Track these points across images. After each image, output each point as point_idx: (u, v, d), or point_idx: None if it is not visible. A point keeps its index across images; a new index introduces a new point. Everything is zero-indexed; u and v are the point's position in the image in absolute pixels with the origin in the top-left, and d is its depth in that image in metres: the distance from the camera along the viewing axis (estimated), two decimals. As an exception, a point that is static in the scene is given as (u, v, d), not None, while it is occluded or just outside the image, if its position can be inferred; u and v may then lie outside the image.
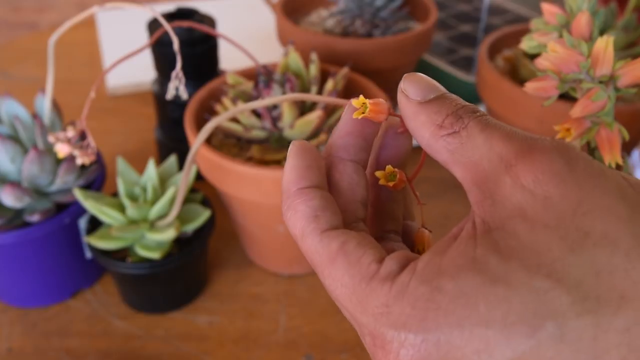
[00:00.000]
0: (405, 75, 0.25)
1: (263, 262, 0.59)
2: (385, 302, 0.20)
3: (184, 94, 0.46)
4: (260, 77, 0.55)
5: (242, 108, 0.37)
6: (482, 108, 0.80)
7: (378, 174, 0.26)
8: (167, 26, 0.45)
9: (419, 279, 0.19)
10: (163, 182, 0.54)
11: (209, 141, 0.55)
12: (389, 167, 0.26)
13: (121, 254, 0.51)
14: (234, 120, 0.55)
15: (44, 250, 0.52)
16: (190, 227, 0.52)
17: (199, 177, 0.57)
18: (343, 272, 0.21)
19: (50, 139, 0.47)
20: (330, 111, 0.55)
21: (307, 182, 0.24)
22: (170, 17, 0.61)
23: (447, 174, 0.72)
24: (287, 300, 0.56)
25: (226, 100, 0.55)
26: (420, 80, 0.24)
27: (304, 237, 0.23)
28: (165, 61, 0.62)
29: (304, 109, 0.55)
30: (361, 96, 0.25)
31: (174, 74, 0.45)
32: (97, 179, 0.54)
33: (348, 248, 0.22)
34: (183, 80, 0.45)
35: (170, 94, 0.46)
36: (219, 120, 0.38)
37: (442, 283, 0.19)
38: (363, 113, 0.25)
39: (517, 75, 0.63)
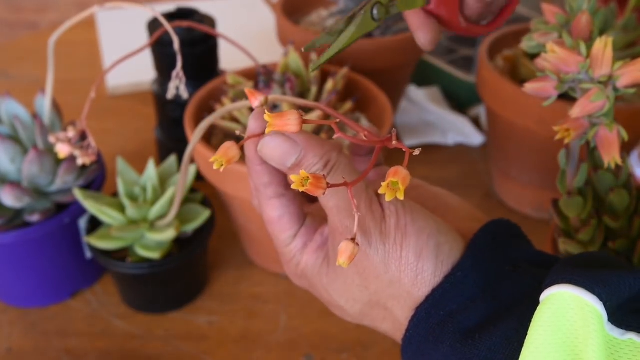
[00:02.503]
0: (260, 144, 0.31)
1: (263, 262, 0.59)
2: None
3: (184, 94, 0.46)
4: (260, 77, 0.55)
5: (229, 109, 0.37)
6: (482, 108, 0.80)
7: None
8: (167, 26, 0.45)
9: (306, 272, 0.33)
10: (163, 182, 0.54)
11: (208, 141, 0.55)
12: (302, 172, 0.26)
13: (121, 254, 0.51)
14: (234, 120, 0.55)
15: (44, 250, 0.52)
16: (190, 227, 0.52)
17: (199, 177, 0.57)
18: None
19: (51, 139, 0.47)
20: (330, 111, 0.55)
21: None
22: (170, 17, 0.61)
23: (447, 175, 0.72)
24: (287, 300, 0.56)
25: (226, 100, 0.55)
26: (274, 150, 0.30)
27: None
28: (165, 61, 0.62)
29: (304, 109, 0.55)
30: (302, 171, 0.26)
31: (174, 73, 0.45)
32: (97, 179, 0.54)
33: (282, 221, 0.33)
34: (183, 79, 0.45)
35: (170, 94, 0.46)
36: (210, 120, 0.38)
37: (317, 279, 0.32)
38: (304, 186, 0.26)
39: (517, 75, 0.63)
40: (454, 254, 0.29)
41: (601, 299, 0.24)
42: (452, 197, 0.35)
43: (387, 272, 0.29)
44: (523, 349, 0.25)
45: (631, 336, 0.24)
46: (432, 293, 0.29)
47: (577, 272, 0.25)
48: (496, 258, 0.29)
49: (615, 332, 0.24)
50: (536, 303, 0.26)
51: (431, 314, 0.28)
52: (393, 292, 0.30)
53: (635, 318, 0.24)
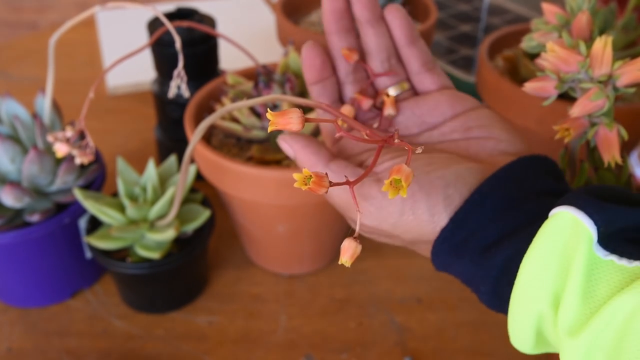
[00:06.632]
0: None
1: (263, 262, 0.59)
2: None
3: (185, 92, 0.46)
4: (260, 77, 0.55)
5: (229, 109, 0.37)
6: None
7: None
8: (168, 24, 0.45)
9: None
10: (163, 182, 0.54)
11: (209, 141, 0.55)
12: (305, 171, 0.26)
13: (121, 254, 0.51)
14: (234, 120, 0.55)
15: (44, 250, 0.52)
16: (190, 227, 0.52)
17: (199, 177, 0.57)
18: None
19: (49, 138, 0.47)
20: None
21: None
22: (170, 17, 0.61)
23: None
24: (287, 300, 0.56)
25: (226, 100, 0.55)
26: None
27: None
28: (165, 61, 0.63)
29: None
30: (305, 169, 0.26)
31: (175, 72, 0.45)
32: (97, 179, 0.54)
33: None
34: (185, 78, 0.45)
35: (172, 92, 0.46)
36: (210, 120, 0.38)
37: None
38: (306, 185, 0.26)
39: (517, 75, 0.63)
40: (468, 190, 0.33)
41: (596, 224, 0.27)
42: (502, 129, 0.37)
43: (410, 232, 0.33)
44: (525, 256, 0.29)
45: (612, 258, 0.27)
46: (453, 216, 0.32)
47: (583, 198, 0.28)
48: (520, 187, 0.32)
49: (600, 253, 0.27)
50: None
51: (454, 233, 0.32)
52: (421, 240, 0.34)
53: (622, 244, 0.28)
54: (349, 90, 0.40)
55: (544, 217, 0.30)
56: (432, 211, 0.32)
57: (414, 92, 0.40)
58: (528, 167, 0.33)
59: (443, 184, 0.32)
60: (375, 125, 0.38)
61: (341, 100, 0.40)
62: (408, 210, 0.33)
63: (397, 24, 0.39)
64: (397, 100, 0.39)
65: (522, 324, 0.30)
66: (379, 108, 0.39)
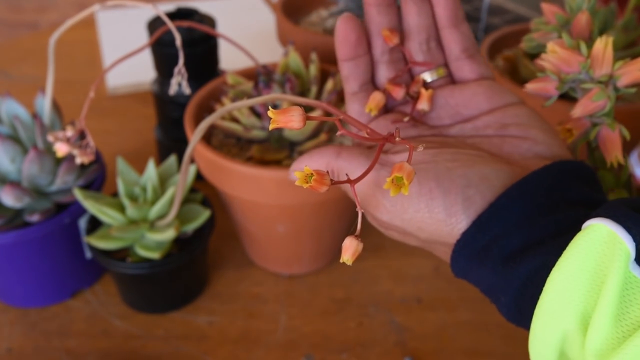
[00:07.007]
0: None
1: (263, 262, 0.59)
2: None
3: (186, 89, 0.46)
4: (260, 77, 0.55)
5: (229, 109, 0.37)
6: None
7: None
8: (169, 23, 0.45)
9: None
10: (163, 182, 0.54)
11: (209, 141, 0.55)
12: (307, 169, 0.26)
13: (121, 254, 0.51)
14: (234, 120, 0.55)
15: (44, 250, 0.52)
16: (190, 227, 0.52)
17: (199, 177, 0.57)
18: None
19: (50, 138, 0.47)
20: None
21: None
22: (170, 17, 0.61)
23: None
24: (287, 300, 0.56)
25: (226, 100, 0.55)
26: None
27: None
28: (165, 61, 0.62)
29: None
30: (306, 167, 0.26)
31: (176, 69, 0.45)
32: (97, 179, 0.54)
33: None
34: (185, 75, 0.45)
35: (173, 90, 0.46)
36: (210, 120, 0.38)
37: None
38: (307, 183, 0.26)
39: (517, 75, 0.63)
40: (492, 193, 0.31)
41: (635, 239, 0.25)
42: (540, 130, 0.35)
43: (424, 231, 0.32)
44: (553, 269, 0.27)
45: None
46: (476, 219, 0.30)
47: (622, 210, 0.26)
48: (551, 194, 0.30)
49: (636, 272, 0.25)
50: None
51: (476, 238, 0.30)
52: (437, 241, 0.32)
53: None
54: (383, 72, 0.37)
55: (576, 228, 0.28)
56: (449, 211, 0.30)
57: (451, 79, 0.38)
58: (562, 173, 0.31)
59: (464, 183, 0.30)
60: (406, 118, 0.37)
61: (372, 81, 0.38)
62: (424, 207, 0.31)
63: (442, 3, 0.36)
64: (432, 87, 0.37)
65: (544, 342, 0.28)
66: (412, 97, 0.37)
